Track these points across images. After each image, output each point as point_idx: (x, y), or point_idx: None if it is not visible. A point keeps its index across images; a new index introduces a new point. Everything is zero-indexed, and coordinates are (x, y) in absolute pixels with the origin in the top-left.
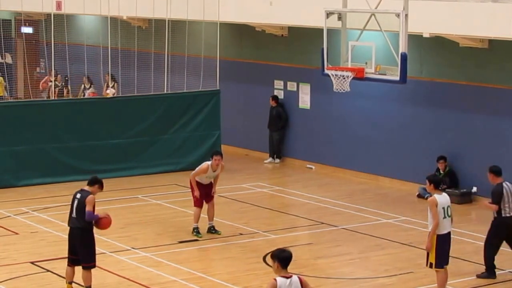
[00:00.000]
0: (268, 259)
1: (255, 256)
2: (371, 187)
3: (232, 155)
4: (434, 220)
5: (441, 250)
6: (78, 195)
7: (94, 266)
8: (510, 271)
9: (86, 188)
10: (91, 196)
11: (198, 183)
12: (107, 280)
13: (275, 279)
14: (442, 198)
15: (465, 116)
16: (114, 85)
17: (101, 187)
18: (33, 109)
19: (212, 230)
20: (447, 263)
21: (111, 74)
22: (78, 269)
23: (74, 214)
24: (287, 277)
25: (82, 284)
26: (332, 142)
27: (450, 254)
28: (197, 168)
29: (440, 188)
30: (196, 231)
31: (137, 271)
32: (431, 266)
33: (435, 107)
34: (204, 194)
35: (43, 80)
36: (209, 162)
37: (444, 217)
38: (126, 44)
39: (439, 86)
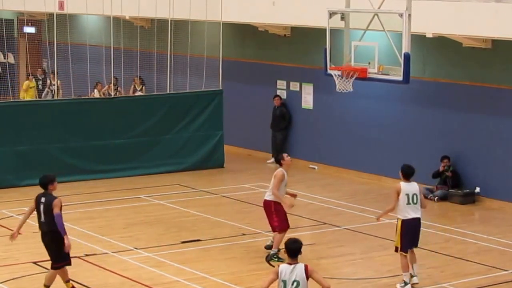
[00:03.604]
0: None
1: (258, 256)
2: (374, 188)
3: (234, 155)
4: (390, 204)
5: (406, 235)
6: (43, 199)
7: (69, 263)
8: None
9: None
10: (58, 199)
11: (276, 205)
12: (109, 280)
13: (279, 266)
14: (409, 186)
15: (468, 116)
16: (142, 88)
17: (54, 181)
18: (35, 109)
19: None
20: (415, 246)
21: (140, 77)
22: (83, 268)
23: (42, 219)
24: (291, 264)
25: (85, 284)
26: (335, 143)
27: (452, 254)
28: (273, 181)
29: (410, 179)
30: (276, 257)
31: (140, 271)
32: (396, 250)
33: (438, 108)
34: (284, 213)
35: (104, 88)
36: (280, 168)
37: (408, 203)
38: (129, 44)
39: (442, 86)
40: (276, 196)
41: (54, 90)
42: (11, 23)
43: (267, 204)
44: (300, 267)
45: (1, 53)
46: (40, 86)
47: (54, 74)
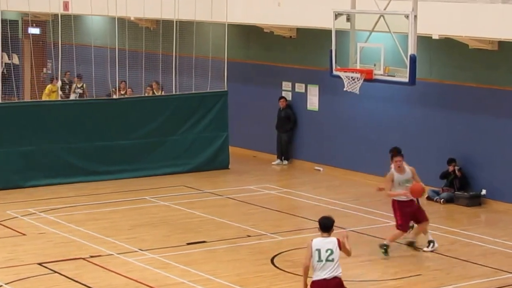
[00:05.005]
0: (276, 261)
1: (263, 258)
2: None
3: (239, 156)
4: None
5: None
6: None
7: None
8: None
9: None
10: None
11: (400, 204)
12: (114, 282)
13: (312, 240)
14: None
15: (474, 118)
16: (161, 93)
17: None
18: (41, 110)
19: (413, 245)
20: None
21: (157, 82)
22: (88, 269)
23: None
24: (324, 237)
25: (89, 285)
26: (340, 144)
27: (458, 257)
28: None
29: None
30: (384, 249)
31: (145, 273)
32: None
33: (444, 109)
34: (410, 214)
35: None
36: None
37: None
38: (134, 45)
39: (449, 88)
40: (391, 195)
41: (80, 93)
42: (16, 24)
43: (392, 202)
44: (333, 239)
45: (5, 54)
46: (66, 90)
47: (79, 78)
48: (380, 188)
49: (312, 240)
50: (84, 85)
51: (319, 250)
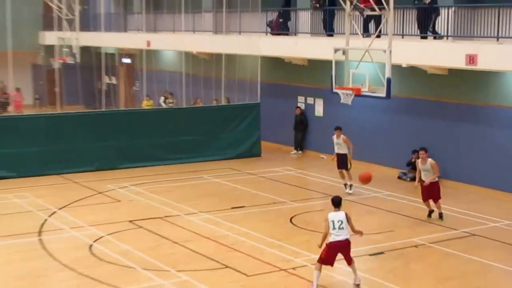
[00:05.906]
0: (293, 220)
1: (284, 218)
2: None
3: (268, 148)
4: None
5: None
6: None
7: None
8: (463, 231)
9: None
10: None
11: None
12: (181, 234)
13: (328, 214)
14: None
15: (432, 121)
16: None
17: None
18: (131, 115)
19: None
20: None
21: (216, 100)
22: (163, 226)
23: None
24: (336, 211)
25: (165, 236)
26: None
27: (420, 218)
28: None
29: None
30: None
31: (202, 228)
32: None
33: (411, 115)
34: (426, 192)
35: (197, 102)
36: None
37: None
38: (196, 71)
39: (414, 101)
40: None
41: (171, 106)
42: (114, 56)
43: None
44: (342, 212)
45: (107, 76)
46: (167, 102)
47: (171, 94)
48: (332, 158)
49: (328, 214)
50: (175, 101)
51: (333, 221)
